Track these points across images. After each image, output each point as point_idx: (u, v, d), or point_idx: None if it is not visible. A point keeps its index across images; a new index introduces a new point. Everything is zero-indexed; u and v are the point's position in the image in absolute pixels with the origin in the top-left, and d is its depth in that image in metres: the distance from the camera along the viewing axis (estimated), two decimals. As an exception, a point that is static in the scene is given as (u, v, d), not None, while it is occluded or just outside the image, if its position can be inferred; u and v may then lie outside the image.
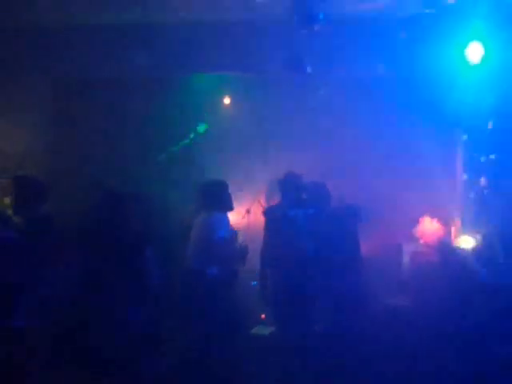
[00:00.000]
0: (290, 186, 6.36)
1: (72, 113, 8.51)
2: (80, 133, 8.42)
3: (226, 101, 8.94)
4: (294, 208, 6.29)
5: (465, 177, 7.86)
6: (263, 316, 7.40)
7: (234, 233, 6.15)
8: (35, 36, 8.09)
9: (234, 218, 6.70)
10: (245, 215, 7.49)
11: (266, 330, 7.11)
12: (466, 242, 7.29)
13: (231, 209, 6.13)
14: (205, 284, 5.73)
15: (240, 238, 6.31)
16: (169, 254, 5.78)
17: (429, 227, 7.98)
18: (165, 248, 5.58)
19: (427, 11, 6.70)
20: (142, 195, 5.96)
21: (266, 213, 6.49)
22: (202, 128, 8.43)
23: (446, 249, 7.27)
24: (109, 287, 4.60)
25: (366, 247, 6.88)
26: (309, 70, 7.22)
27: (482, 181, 7.36)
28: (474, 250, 6.85)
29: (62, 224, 5.38)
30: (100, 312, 4.55)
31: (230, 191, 6.09)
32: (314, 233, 6.25)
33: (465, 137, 7.70)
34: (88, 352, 4.50)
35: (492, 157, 7.14)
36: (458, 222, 7.98)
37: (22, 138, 8.01)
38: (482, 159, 7.31)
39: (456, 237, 7.80)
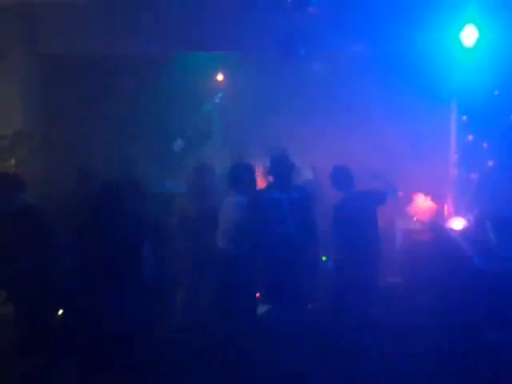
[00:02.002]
0: (277, 169, 6.37)
1: (62, 93, 8.42)
2: (69, 115, 8.35)
3: (220, 77, 8.93)
4: (281, 191, 6.29)
5: (457, 157, 7.91)
6: (258, 295, 7.48)
7: None
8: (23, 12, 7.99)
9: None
10: None
11: (261, 309, 7.17)
12: (458, 223, 7.35)
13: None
14: (237, 264, 5.87)
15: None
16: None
17: (422, 205, 8.03)
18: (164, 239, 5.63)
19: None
20: (139, 184, 5.89)
21: (252, 195, 6.56)
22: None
23: (438, 229, 7.34)
24: (103, 282, 4.60)
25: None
26: (302, 52, 7.17)
27: (474, 163, 7.40)
28: (465, 231, 6.91)
29: (53, 214, 5.41)
30: (93, 307, 4.56)
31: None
32: (298, 216, 6.27)
33: (460, 117, 7.70)
34: (80, 349, 4.53)
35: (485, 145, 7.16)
36: (450, 201, 8.05)
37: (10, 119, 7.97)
38: (476, 142, 7.34)
39: (449, 216, 7.88)
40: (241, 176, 6.08)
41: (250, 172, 6.15)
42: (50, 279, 4.97)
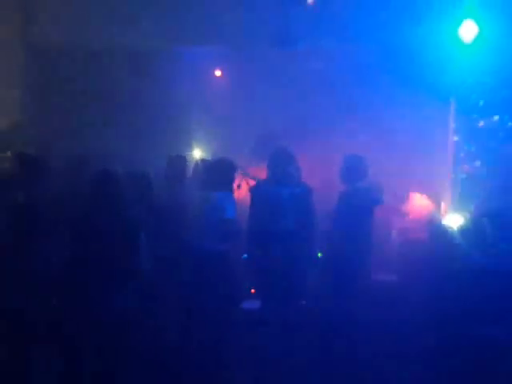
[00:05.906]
0: (277, 163, 6.29)
1: (59, 85, 8.39)
2: (66, 106, 8.30)
3: (217, 73, 8.92)
4: (281, 185, 6.23)
5: (455, 154, 7.89)
6: (253, 290, 7.43)
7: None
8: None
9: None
10: (235, 190, 7.50)
11: (255, 304, 7.13)
12: (455, 220, 7.32)
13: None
14: (212, 261, 5.78)
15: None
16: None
17: (418, 203, 7.99)
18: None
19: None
20: (135, 174, 5.85)
21: (251, 188, 6.49)
22: None
23: (434, 226, 7.30)
24: (98, 273, 4.56)
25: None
26: (299, 45, 7.15)
27: (473, 159, 7.38)
28: (463, 229, 6.87)
29: (49, 205, 5.35)
30: (87, 297, 4.53)
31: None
32: (297, 211, 6.21)
33: (458, 114, 7.69)
34: (73, 338, 4.51)
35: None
36: (447, 199, 8.03)
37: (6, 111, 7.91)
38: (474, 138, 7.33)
39: (445, 214, 7.85)
40: (221, 172, 6.01)
41: (231, 168, 6.08)
42: (45, 270, 4.91)
